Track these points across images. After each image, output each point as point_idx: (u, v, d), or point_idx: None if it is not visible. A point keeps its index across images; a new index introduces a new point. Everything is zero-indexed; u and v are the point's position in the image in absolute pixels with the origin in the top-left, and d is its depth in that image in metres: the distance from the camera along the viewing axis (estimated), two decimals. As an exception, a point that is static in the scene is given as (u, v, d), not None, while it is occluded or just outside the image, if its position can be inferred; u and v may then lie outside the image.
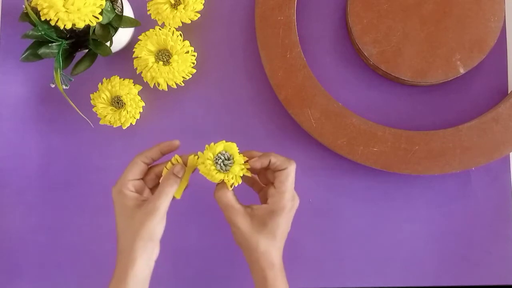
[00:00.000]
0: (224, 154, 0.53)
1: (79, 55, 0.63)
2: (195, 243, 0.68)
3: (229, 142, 0.54)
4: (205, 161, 0.53)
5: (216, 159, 0.53)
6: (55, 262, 0.68)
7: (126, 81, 0.65)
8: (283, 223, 0.54)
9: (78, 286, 0.68)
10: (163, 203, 0.53)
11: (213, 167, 0.53)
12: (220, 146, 0.53)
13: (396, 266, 0.67)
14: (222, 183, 0.54)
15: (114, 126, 0.66)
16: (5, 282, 0.68)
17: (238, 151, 0.54)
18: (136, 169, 0.56)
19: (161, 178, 0.56)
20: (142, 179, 0.57)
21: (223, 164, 0.53)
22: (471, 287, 0.67)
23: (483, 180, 0.67)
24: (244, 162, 0.54)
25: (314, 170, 0.68)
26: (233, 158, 0.53)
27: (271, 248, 0.54)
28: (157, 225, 0.53)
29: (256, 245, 0.53)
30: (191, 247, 0.68)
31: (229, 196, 0.54)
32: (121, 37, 0.65)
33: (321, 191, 0.68)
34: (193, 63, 0.64)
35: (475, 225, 0.67)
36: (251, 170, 0.56)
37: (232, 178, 0.53)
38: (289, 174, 0.54)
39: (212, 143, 0.54)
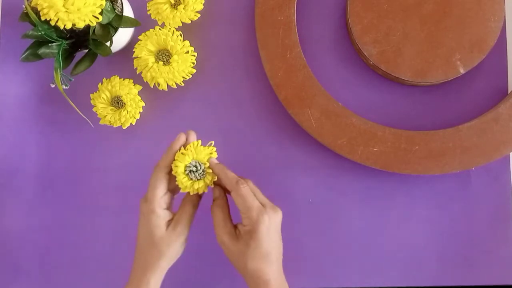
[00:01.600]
0: (194, 165, 0.55)
1: (79, 55, 0.63)
2: (192, 243, 0.68)
3: (200, 148, 0.56)
4: (179, 175, 0.55)
5: (188, 171, 0.55)
6: (55, 262, 0.68)
7: (126, 81, 0.65)
8: (266, 240, 0.53)
9: (78, 286, 0.68)
10: (186, 227, 0.56)
11: (186, 179, 0.55)
12: (189, 158, 0.55)
13: (396, 266, 0.67)
14: (219, 199, 0.56)
15: (114, 126, 0.66)
16: (5, 282, 0.68)
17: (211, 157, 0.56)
18: (163, 184, 0.56)
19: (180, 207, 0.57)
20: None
21: (195, 174, 0.55)
22: (471, 287, 0.67)
23: (483, 180, 0.67)
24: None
25: (314, 170, 0.68)
26: (204, 167, 0.56)
27: (261, 266, 0.53)
28: (181, 246, 0.57)
29: (244, 266, 0.54)
30: (190, 247, 0.67)
31: (220, 216, 0.56)
32: (121, 37, 0.65)
33: (321, 191, 0.68)
34: (193, 63, 0.64)
35: (475, 225, 0.67)
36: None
37: (201, 187, 0.56)
38: (239, 195, 0.54)
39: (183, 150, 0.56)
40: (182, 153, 0.55)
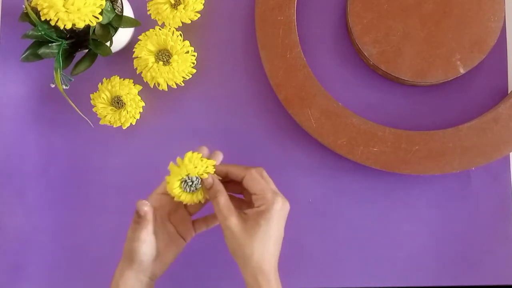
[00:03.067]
0: (189, 178, 0.54)
1: (79, 55, 0.63)
2: (192, 243, 0.68)
3: (189, 156, 0.54)
4: (174, 188, 0.54)
5: (183, 184, 0.54)
6: (55, 262, 0.68)
7: (126, 81, 0.65)
8: (275, 223, 0.53)
9: (79, 286, 0.68)
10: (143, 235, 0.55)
11: (182, 192, 0.55)
12: (183, 170, 0.54)
13: (396, 266, 0.67)
14: (216, 184, 0.55)
15: (114, 126, 0.66)
16: (6, 282, 0.68)
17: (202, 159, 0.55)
18: (164, 185, 0.57)
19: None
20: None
21: (190, 187, 0.54)
22: (471, 287, 0.67)
23: (483, 180, 0.67)
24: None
25: (314, 170, 0.68)
26: (197, 178, 0.54)
27: (266, 255, 0.53)
28: (138, 248, 0.56)
29: (251, 253, 0.52)
30: (190, 247, 0.68)
31: (224, 199, 0.54)
32: (121, 37, 0.65)
33: (321, 191, 0.68)
34: (193, 63, 0.64)
35: (475, 225, 0.67)
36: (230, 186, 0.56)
37: (195, 197, 0.55)
38: (253, 177, 0.54)
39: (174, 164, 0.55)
40: (177, 166, 0.54)
